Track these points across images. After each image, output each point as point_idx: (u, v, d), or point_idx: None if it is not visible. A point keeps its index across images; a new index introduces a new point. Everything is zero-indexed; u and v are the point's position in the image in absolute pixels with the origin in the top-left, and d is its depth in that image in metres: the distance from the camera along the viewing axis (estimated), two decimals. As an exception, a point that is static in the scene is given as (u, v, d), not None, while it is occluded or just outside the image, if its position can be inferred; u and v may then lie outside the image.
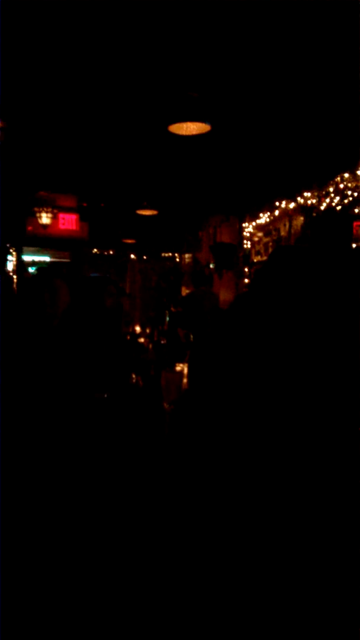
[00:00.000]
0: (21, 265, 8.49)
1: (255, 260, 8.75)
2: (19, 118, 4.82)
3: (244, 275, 8.58)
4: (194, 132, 3.61)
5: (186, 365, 2.92)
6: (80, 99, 4.60)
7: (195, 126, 3.46)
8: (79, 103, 4.68)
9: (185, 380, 2.88)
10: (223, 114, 4.27)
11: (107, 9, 3.16)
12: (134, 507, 1.39)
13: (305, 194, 6.90)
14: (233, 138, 5.29)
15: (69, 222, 9.02)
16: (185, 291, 9.72)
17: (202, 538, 1.26)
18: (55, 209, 8.19)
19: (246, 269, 8.72)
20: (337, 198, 6.31)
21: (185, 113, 3.39)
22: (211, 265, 8.71)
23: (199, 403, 2.08)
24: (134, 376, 3.22)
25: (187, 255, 11.58)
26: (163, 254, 12.22)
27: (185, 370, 2.92)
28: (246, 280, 8.33)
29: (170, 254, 12.21)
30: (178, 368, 3.26)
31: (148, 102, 4.36)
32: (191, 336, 3.97)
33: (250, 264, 8.76)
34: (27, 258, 9.08)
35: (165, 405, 1.96)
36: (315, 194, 6.78)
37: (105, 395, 2.23)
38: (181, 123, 3.42)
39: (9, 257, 8.25)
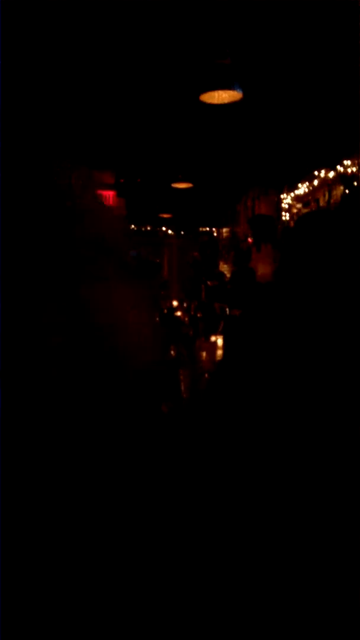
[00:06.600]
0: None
1: (294, 233, 8.56)
2: (54, 96, 4.85)
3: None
4: (226, 101, 3.56)
5: (220, 336, 2.95)
6: (112, 73, 4.58)
7: (226, 94, 3.41)
8: (112, 77, 4.67)
9: (219, 351, 2.91)
10: (256, 81, 4.17)
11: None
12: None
13: (345, 162, 6.68)
14: (268, 106, 5.16)
15: (106, 199, 9.04)
16: (223, 266, 9.65)
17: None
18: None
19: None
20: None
21: (216, 81, 3.33)
22: (249, 239, 8.59)
23: (233, 373, 2.11)
24: (172, 350, 3.28)
25: (224, 230, 11.44)
26: (200, 229, 12.13)
27: (220, 342, 2.95)
28: (285, 253, 8.18)
29: (207, 229, 12.11)
30: (213, 339, 3.30)
31: (179, 72, 4.30)
32: (227, 310, 3.98)
33: (289, 237, 8.59)
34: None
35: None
36: (356, 162, 6.55)
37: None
38: (212, 92, 3.38)
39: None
